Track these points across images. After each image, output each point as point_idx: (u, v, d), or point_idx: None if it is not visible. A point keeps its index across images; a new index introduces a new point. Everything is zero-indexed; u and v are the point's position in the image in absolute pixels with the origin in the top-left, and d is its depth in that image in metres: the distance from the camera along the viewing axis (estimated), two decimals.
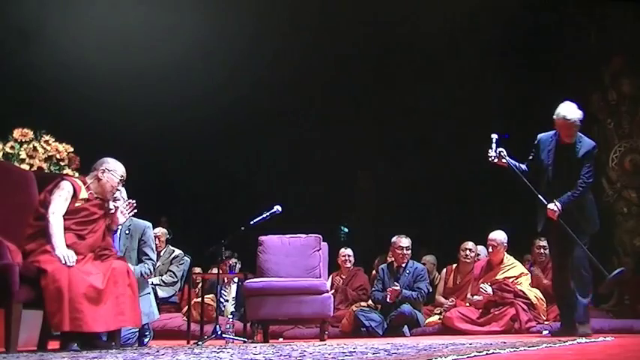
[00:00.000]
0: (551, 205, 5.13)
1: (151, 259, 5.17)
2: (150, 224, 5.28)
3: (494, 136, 5.35)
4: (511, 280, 6.59)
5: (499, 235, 6.70)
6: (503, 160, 5.29)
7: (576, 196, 5.13)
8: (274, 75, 8.98)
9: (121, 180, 4.41)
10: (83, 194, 4.28)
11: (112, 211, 4.42)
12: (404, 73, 9.12)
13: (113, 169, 4.38)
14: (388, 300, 6.64)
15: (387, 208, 9.71)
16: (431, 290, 7.07)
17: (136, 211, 4.56)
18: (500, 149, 5.32)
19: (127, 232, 5.10)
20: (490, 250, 6.74)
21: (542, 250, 6.88)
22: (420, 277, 6.79)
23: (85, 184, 4.34)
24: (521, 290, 6.46)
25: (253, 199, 7.37)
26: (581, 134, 5.29)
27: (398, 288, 6.61)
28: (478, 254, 7.29)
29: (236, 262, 7.35)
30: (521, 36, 8.59)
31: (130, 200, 4.52)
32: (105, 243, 4.31)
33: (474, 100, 8.77)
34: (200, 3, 8.71)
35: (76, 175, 5.56)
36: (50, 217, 4.06)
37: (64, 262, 3.95)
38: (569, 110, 5.20)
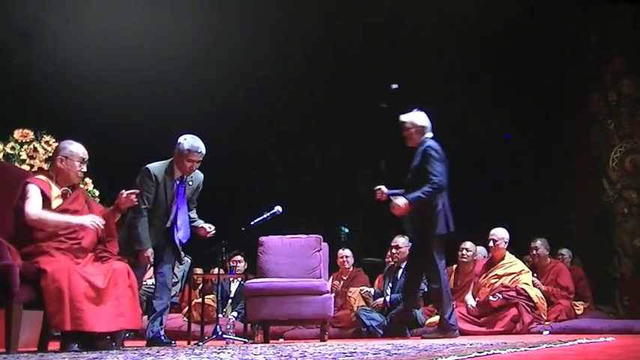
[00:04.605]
0: (397, 201, 5.26)
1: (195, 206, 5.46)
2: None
3: (395, 86, 5.42)
4: (512, 276, 6.56)
5: (499, 231, 6.68)
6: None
7: (425, 195, 5.27)
8: (274, 75, 8.97)
9: (82, 160, 4.30)
10: (55, 191, 4.20)
11: (122, 195, 4.40)
12: (405, 72, 9.11)
13: (70, 155, 4.27)
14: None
15: (388, 208, 9.68)
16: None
17: (138, 191, 4.60)
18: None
19: (191, 182, 5.34)
20: (491, 244, 6.69)
21: (534, 252, 6.97)
22: None
23: (51, 178, 4.26)
24: (522, 289, 6.44)
25: (253, 199, 7.35)
26: (428, 138, 5.48)
27: (379, 302, 6.68)
28: (475, 255, 7.27)
29: (243, 263, 7.36)
30: (522, 36, 8.59)
31: (134, 190, 4.51)
32: (107, 234, 4.29)
33: (473, 100, 8.76)
34: (200, 2, 8.70)
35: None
36: (32, 218, 4.00)
37: (94, 227, 4.07)
38: (403, 115, 5.51)
